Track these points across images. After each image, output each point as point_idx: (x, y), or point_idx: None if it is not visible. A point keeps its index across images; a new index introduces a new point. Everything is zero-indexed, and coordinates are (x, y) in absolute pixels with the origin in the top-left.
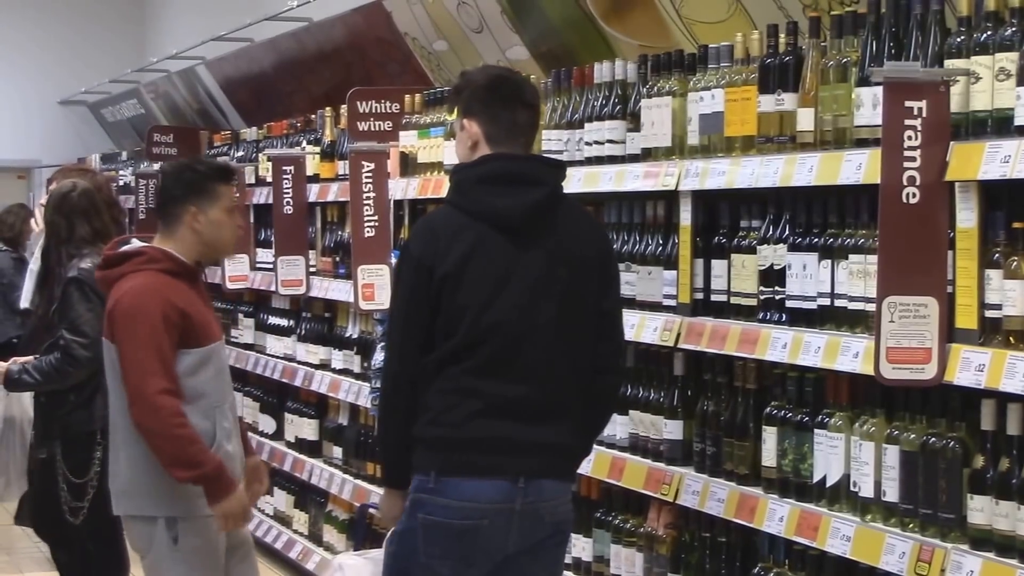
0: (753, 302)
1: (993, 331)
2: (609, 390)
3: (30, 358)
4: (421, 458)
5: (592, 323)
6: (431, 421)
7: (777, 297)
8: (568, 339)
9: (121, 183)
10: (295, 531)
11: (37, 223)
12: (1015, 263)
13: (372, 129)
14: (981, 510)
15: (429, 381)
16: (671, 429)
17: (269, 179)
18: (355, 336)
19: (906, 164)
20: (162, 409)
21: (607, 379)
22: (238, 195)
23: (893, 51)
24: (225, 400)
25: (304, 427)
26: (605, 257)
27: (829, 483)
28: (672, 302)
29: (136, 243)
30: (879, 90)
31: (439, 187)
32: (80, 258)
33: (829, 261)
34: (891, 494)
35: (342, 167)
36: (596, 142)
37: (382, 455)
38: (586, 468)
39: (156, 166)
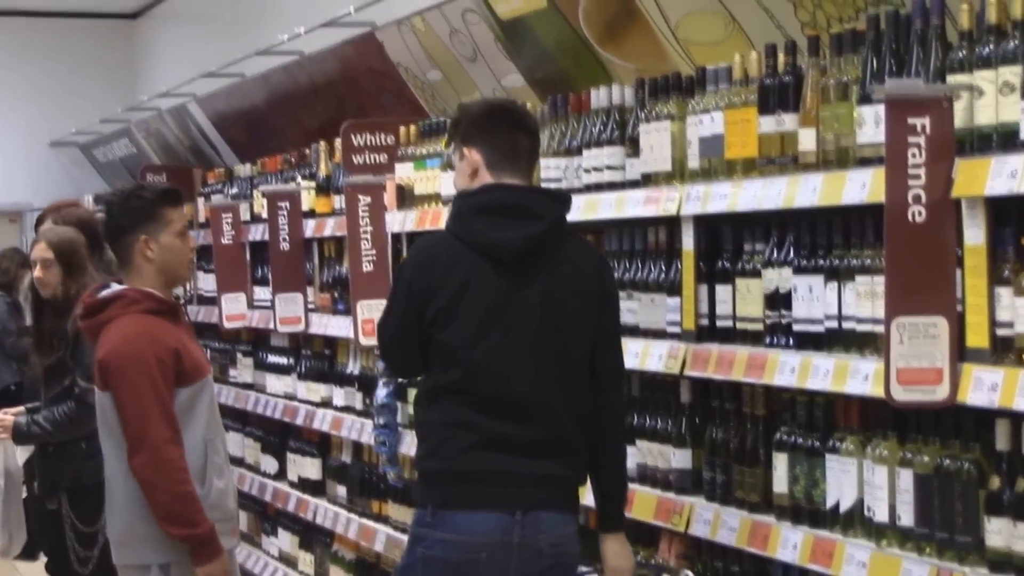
0: (759, 326)
1: (1005, 349)
2: (606, 431)
3: (23, 408)
4: (419, 492)
5: (586, 359)
6: (428, 454)
7: (784, 321)
8: (563, 376)
9: (105, 208)
10: (301, 572)
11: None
12: None
13: (367, 162)
14: (999, 532)
15: (425, 409)
16: (679, 458)
17: (264, 216)
18: (356, 373)
19: (911, 182)
20: (166, 462)
21: (602, 417)
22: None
23: (894, 68)
24: (216, 434)
25: (307, 466)
26: (606, 295)
27: (843, 508)
28: (676, 329)
29: (114, 286)
30: (881, 108)
31: (437, 219)
32: None
33: (836, 283)
34: (906, 518)
35: (338, 201)
36: (595, 168)
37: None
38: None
39: None
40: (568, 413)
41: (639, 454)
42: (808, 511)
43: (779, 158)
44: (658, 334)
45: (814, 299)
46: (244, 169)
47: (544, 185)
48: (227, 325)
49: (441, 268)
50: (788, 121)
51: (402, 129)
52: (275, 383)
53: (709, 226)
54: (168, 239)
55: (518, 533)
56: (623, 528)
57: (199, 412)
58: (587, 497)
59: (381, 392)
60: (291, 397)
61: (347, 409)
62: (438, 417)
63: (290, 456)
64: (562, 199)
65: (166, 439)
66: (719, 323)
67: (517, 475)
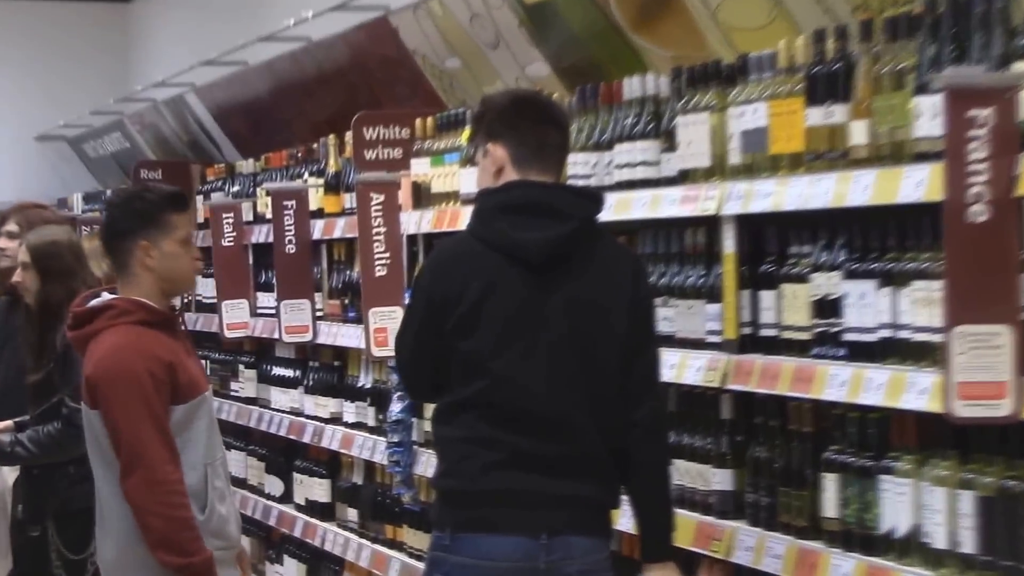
0: (807, 336)
1: None
2: (639, 448)
3: (11, 423)
4: (437, 513)
5: (618, 371)
6: (446, 472)
7: (833, 330)
8: (592, 388)
9: (105, 208)
10: None
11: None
12: None
13: (380, 157)
14: None
15: (444, 424)
16: (720, 479)
17: (269, 216)
18: (368, 386)
19: (972, 179)
20: (161, 483)
21: (634, 434)
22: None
23: (954, 55)
24: (217, 456)
25: (315, 488)
26: (639, 300)
27: (898, 534)
28: (717, 339)
29: (105, 296)
30: (939, 98)
31: (456, 219)
32: None
33: (890, 288)
34: (967, 544)
35: (348, 200)
36: (627, 165)
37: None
38: (627, 524)
39: None
40: (598, 429)
41: (676, 475)
42: (860, 537)
43: (828, 153)
44: (696, 344)
45: (866, 306)
46: (247, 165)
47: (572, 182)
48: (228, 335)
49: (461, 272)
50: (838, 113)
51: (418, 122)
52: (280, 397)
53: (752, 227)
54: (171, 246)
55: (544, 558)
56: (670, 557)
57: (197, 432)
58: (620, 521)
59: (395, 407)
60: (297, 413)
61: (358, 426)
62: (458, 433)
63: (296, 477)
64: (594, 198)
65: (162, 459)
66: (763, 332)
67: (543, 495)
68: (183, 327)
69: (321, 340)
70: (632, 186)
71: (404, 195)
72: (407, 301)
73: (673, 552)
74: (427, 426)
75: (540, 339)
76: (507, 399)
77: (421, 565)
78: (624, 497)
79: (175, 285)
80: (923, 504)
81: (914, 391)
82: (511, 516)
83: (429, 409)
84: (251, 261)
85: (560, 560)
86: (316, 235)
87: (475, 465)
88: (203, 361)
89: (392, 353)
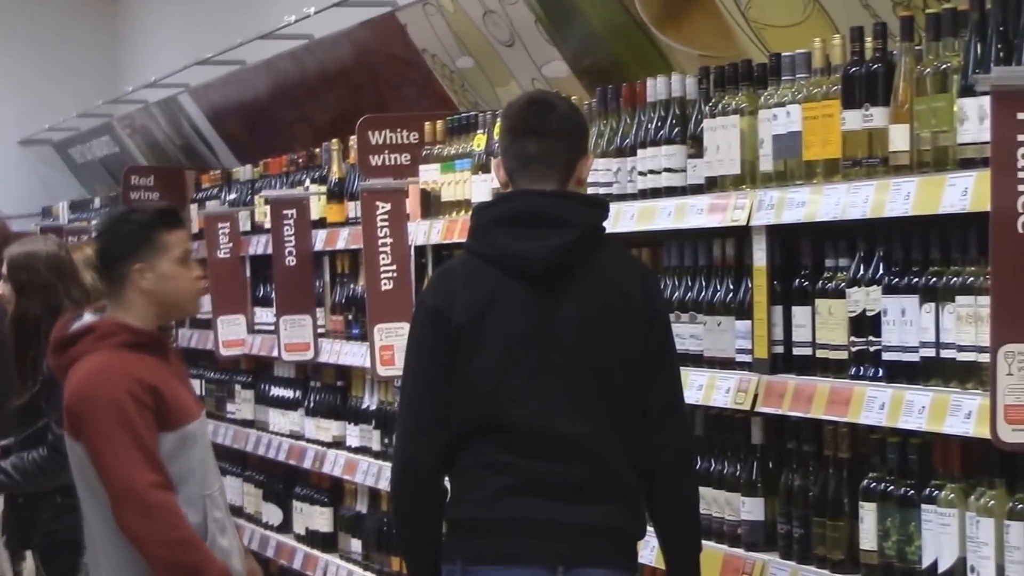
0: (843, 355)
1: None
2: (664, 473)
3: None
4: (447, 545)
5: (635, 390)
6: (455, 500)
7: (872, 348)
8: (608, 408)
9: (95, 235)
10: None
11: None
12: None
13: (387, 163)
14: None
15: (453, 454)
16: (750, 508)
17: (267, 225)
18: (373, 408)
19: (1021, 187)
20: (155, 509)
21: (658, 458)
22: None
23: (1002, 54)
24: (213, 486)
25: (316, 517)
26: (653, 314)
27: (941, 568)
28: (747, 358)
29: (87, 317)
30: (986, 100)
31: (467, 229)
32: None
33: (932, 304)
34: None
35: (353, 209)
36: (651, 171)
37: (403, 555)
38: (648, 556)
39: None
40: (617, 452)
41: (703, 503)
42: (901, 571)
43: (866, 159)
44: (725, 364)
45: (907, 323)
46: (244, 171)
47: (592, 191)
48: (224, 352)
49: (462, 288)
50: (877, 116)
51: (427, 125)
52: (279, 420)
53: (784, 238)
54: (166, 267)
55: None
56: None
57: (191, 462)
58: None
59: None
60: (298, 436)
61: (362, 450)
62: (467, 459)
63: (296, 505)
64: (597, 205)
65: (151, 483)
66: (796, 351)
67: (559, 524)
68: (175, 349)
69: (323, 358)
70: (656, 194)
71: (412, 204)
72: (410, 330)
73: None
74: None
75: (548, 356)
76: (517, 421)
77: None
78: (649, 526)
79: (175, 308)
80: (969, 536)
81: (959, 415)
82: (525, 547)
83: None
84: (248, 274)
85: None
86: (318, 246)
87: (487, 492)
88: (197, 380)
89: (399, 373)
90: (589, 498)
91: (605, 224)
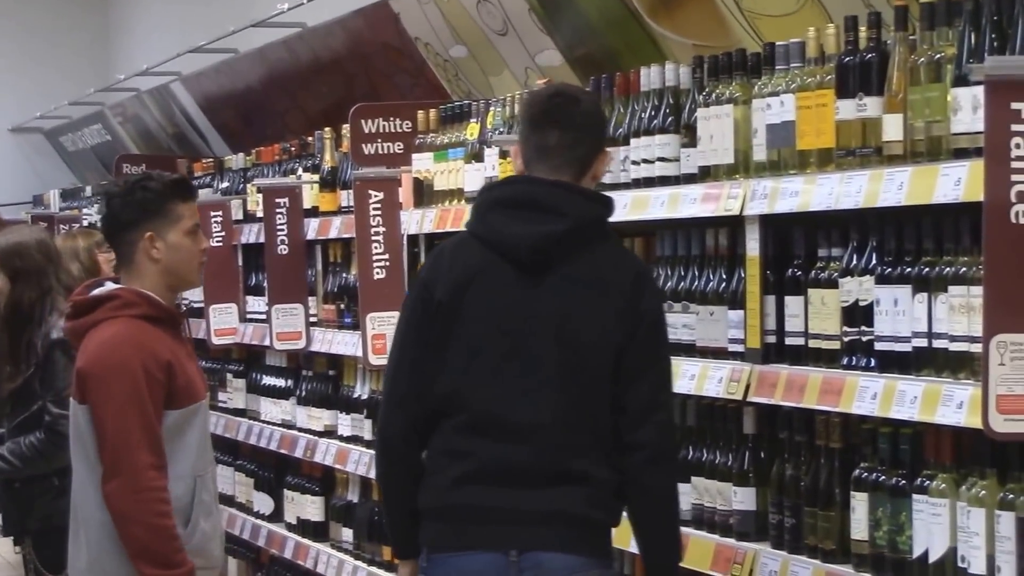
0: (836, 345)
1: None
2: (637, 472)
3: None
4: (419, 529)
5: (607, 384)
6: (421, 487)
7: (864, 338)
8: (577, 400)
9: (85, 223)
10: None
11: None
12: None
13: (379, 152)
14: None
15: (430, 430)
16: (741, 498)
17: (260, 214)
18: (365, 397)
19: (1014, 177)
20: (144, 491)
21: (633, 457)
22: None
23: (996, 44)
24: (207, 469)
25: (307, 506)
26: (641, 315)
27: (932, 558)
28: (739, 347)
29: (109, 285)
30: (980, 90)
31: (460, 218)
32: (59, 315)
33: (925, 295)
34: (1007, 570)
35: (345, 198)
36: (645, 161)
37: (387, 526)
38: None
39: None
40: (582, 442)
41: (694, 493)
42: (892, 561)
43: (860, 149)
44: (718, 353)
45: (900, 313)
46: (236, 160)
47: None
48: (216, 341)
49: (449, 265)
50: (871, 106)
51: (420, 114)
52: (271, 409)
53: (777, 228)
54: (176, 237)
55: None
56: None
57: (188, 441)
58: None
59: None
60: (289, 425)
61: (354, 439)
62: (436, 444)
63: (287, 494)
64: (599, 200)
65: (147, 465)
66: (789, 341)
67: (511, 510)
68: (187, 330)
69: (315, 348)
70: (649, 183)
71: (405, 192)
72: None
73: None
74: None
75: (520, 343)
76: (478, 405)
77: None
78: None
79: (180, 279)
80: (960, 526)
81: (950, 405)
82: (479, 532)
83: None
84: (240, 263)
85: None
86: (310, 235)
87: (445, 479)
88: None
89: None
90: (544, 484)
91: (607, 219)
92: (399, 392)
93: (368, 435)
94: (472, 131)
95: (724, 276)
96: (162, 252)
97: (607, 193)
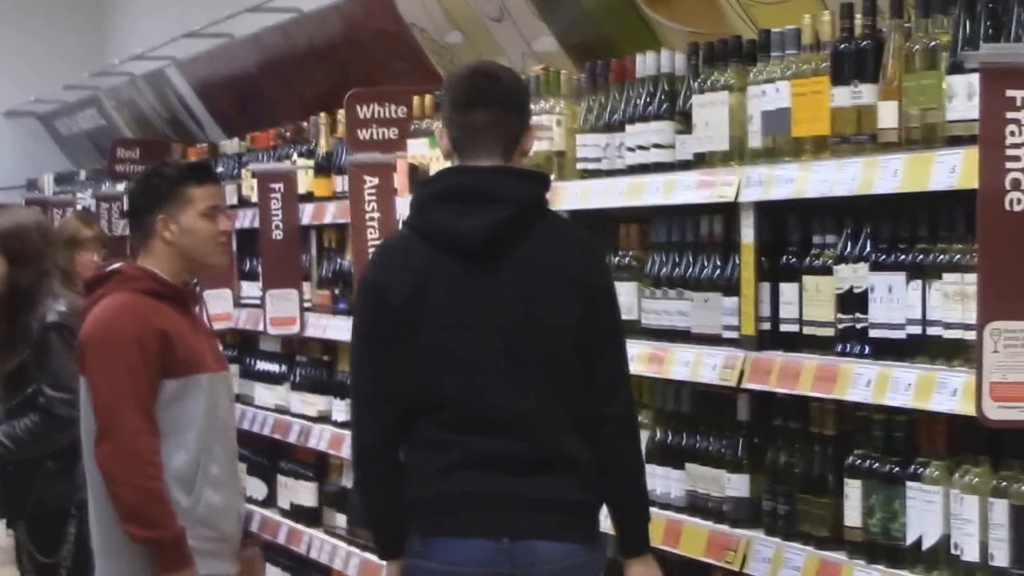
0: (830, 332)
1: None
2: (612, 444)
3: None
4: (408, 518)
5: (577, 363)
6: (407, 479)
7: (858, 326)
8: (551, 383)
9: (79, 207)
10: None
11: None
12: None
13: (375, 137)
14: None
15: (404, 428)
16: (735, 484)
17: (254, 199)
18: None
19: (1009, 165)
20: (132, 453)
21: (605, 430)
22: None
23: (991, 31)
24: (216, 443)
25: (301, 491)
26: (595, 287)
27: (925, 545)
28: (734, 334)
29: (118, 264)
30: (975, 78)
31: None
32: (54, 298)
33: (919, 282)
34: (1000, 557)
35: (340, 183)
36: (640, 147)
37: (369, 528)
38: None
39: (121, 186)
40: (563, 425)
41: (688, 480)
42: (885, 548)
43: (855, 136)
44: (712, 340)
45: (894, 300)
46: (231, 145)
47: (581, 166)
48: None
49: (400, 265)
50: (866, 93)
51: (415, 100)
52: (264, 394)
53: (772, 215)
54: (190, 220)
55: (508, 564)
56: (648, 549)
57: (191, 412)
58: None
59: None
60: (283, 411)
61: (348, 425)
62: (414, 437)
63: (281, 479)
64: (536, 179)
65: (136, 429)
66: (783, 328)
67: (502, 496)
68: (204, 310)
69: (309, 333)
70: (645, 170)
71: (400, 178)
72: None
73: (648, 544)
74: None
75: (487, 333)
76: (458, 400)
77: None
78: None
79: (197, 261)
80: (953, 513)
81: (944, 392)
82: (470, 519)
83: None
84: (235, 248)
85: (528, 566)
86: (305, 220)
87: (429, 470)
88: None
89: None
90: (533, 472)
91: (546, 197)
92: (366, 397)
93: None
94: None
95: (719, 263)
96: (175, 235)
97: (599, 178)
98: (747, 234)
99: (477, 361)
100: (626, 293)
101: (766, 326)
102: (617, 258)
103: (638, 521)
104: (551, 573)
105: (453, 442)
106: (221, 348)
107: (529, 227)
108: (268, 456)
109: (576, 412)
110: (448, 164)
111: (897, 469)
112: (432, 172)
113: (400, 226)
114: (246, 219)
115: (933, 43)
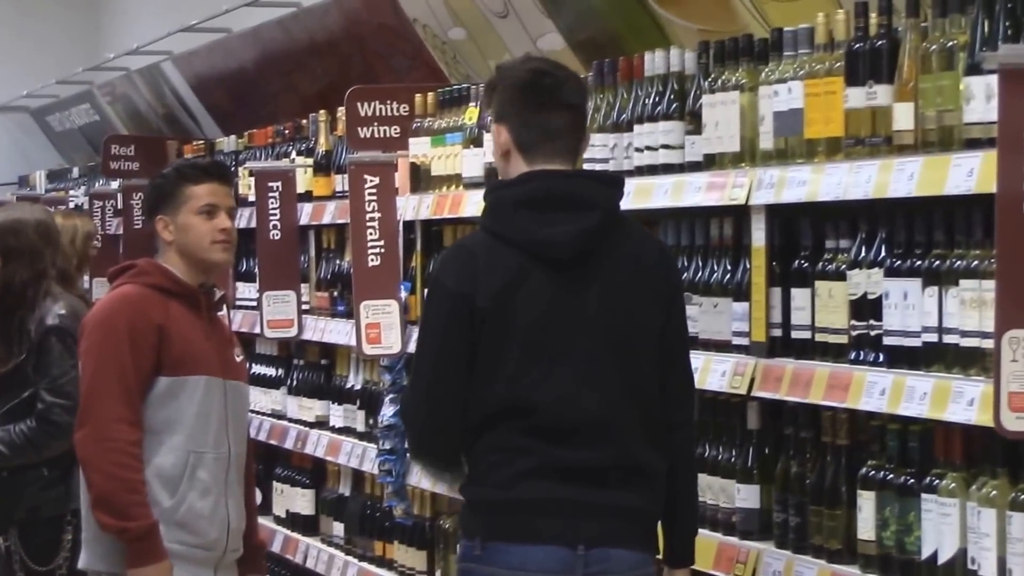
0: (843, 339)
1: None
2: (681, 451)
3: None
4: (466, 521)
5: (656, 371)
6: (476, 480)
7: (872, 333)
8: (635, 392)
9: (72, 205)
10: None
11: None
12: None
13: (375, 136)
14: None
15: (474, 435)
16: (745, 495)
17: (252, 198)
18: (358, 387)
19: None
20: (108, 440)
21: (676, 437)
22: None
23: (1010, 31)
24: (209, 448)
25: (297, 499)
26: (673, 290)
27: (941, 560)
28: (744, 340)
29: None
30: (993, 79)
31: (457, 204)
32: (53, 300)
33: (935, 288)
34: (1019, 572)
35: (340, 182)
36: (648, 148)
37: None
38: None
39: (115, 184)
40: (643, 435)
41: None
42: (899, 562)
43: (869, 138)
44: (722, 346)
45: (909, 307)
46: (228, 142)
47: (588, 167)
48: None
49: (485, 272)
50: (881, 94)
51: (417, 97)
52: (260, 398)
53: (784, 218)
54: (185, 218)
55: (581, 571)
56: (693, 563)
57: (182, 413)
58: None
59: (387, 411)
60: (279, 416)
61: (346, 431)
62: (489, 440)
63: (277, 486)
64: (614, 183)
65: (115, 417)
66: (795, 334)
67: (582, 504)
68: (217, 312)
69: (307, 336)
70: (653, 171)
71: (401, 177)
72: (423, 311)
73: (693, 559)
74: None
75: (573, 341)
76: (541, 407)
77: None
78: None
79: (197, 259)
80: (970, 527)
81: (961, 402)
82: (546, 525)
83: None
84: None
85: (599, 573)
86: (303, 220)
87: (508, 473)
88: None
89: (385, 351)
90: (615, 482)
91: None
92: (443, 418)
93: (361, 427)
94: (471, 115)
95: (729, 267)
96: (173, 233)
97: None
98: (758, 238)
99: (561, 369)
100: None
101: (777, 332)
102: None
103: (691, 530)
104: None
105: (531, 449)
106: (240, 358)
107: (611, 232)
108: (264, 462)
109: (649, 419)
110: (464, 160)
111: (912, 481)
112: (434, 172)
113: (478, 229)
114: (243, 219)
115: (950, 43)
